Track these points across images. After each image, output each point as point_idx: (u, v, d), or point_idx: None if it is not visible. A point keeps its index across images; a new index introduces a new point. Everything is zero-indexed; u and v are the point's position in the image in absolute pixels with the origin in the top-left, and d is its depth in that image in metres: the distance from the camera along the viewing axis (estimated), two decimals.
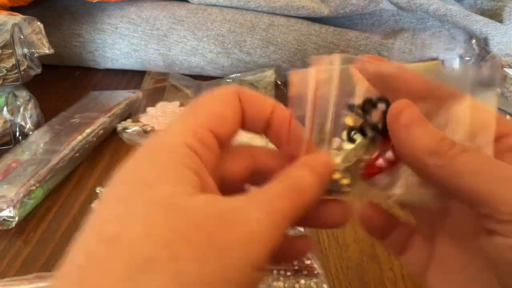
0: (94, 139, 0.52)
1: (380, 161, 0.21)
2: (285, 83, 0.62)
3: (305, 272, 0.36)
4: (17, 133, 0.52)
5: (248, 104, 0.21)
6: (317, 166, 0.20)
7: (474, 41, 0.61)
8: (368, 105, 0.21)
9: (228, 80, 0.64)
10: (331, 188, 0.21)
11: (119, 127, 0.55)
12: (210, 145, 0.19)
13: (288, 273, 0.36)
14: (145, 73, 0.67)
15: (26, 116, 0.53)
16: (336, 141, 0.22)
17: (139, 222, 0.15)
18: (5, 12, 0.54)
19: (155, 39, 0.65)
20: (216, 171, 0.20)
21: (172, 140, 0.18)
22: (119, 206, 0.16)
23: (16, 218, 0.41)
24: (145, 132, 0.53)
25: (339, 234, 0.42)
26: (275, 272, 0.36)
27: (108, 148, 0.53)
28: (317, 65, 0.21)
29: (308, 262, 0.37)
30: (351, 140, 0.21)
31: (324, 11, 0.66)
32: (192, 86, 0.63)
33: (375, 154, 0.21)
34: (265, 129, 0.22)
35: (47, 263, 0.38)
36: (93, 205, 0.44)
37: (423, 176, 0.20)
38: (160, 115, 0.56)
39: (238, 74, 0.64)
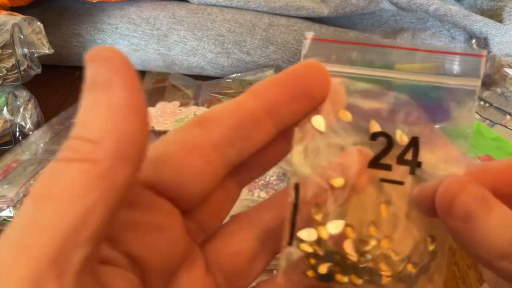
0: None
1: None
2: None
3: None
4: (17, 133, 0.52)
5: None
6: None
7: (474, 41, 0.61)
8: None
9: (228, 80, 0.64)
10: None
11: None
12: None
13: None
14: (145, 73, 0.67)
15: (26, 116, 0.53)
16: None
17: None
18: (5, 12, 0.54)
19: (155, 39, 0.65)
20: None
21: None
22: None
23: None
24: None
25: None
26: (275, 272, 0.36)
27: None
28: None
29: None
30: None
31: (324, 11, 0.66)
32: (192, 86, 0.63)
33: None
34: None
35: None
36: None
37: (495, 274, 0.16)
38: (160, 115, 0.56)
39: (238, 74, 0.65)
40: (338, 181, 0.17)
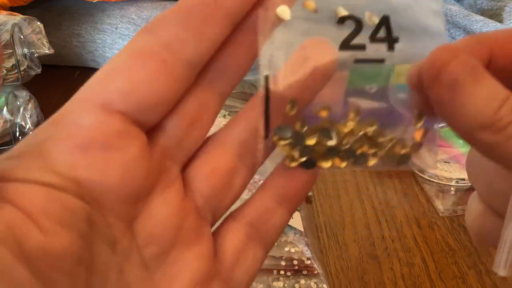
0: None
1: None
2: None
3: (305, 272, 0.36)
4: (17, 133, 0.52)
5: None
6: None
7: None
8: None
9: None
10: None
11: None
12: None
13: (288, 273, 0.36)
14: None
15: (26, 116, 0.53)
16: None
17: None
18: (5, 12, 0.54)
19: None
20: None
21: None
22: None
23: None
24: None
25: (339, 234, 0.42)
26: (275, 272, 0.36)
27: None
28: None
29: (308, 262, 0.37)
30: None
31: None
32: None
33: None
34: None
35: None
36: None
37: (473, 146, 0.15)
38: None
39: None
40: (308, 68, 0.17)
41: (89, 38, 0.66)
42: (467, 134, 0.15)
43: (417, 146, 0.17)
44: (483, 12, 0.65)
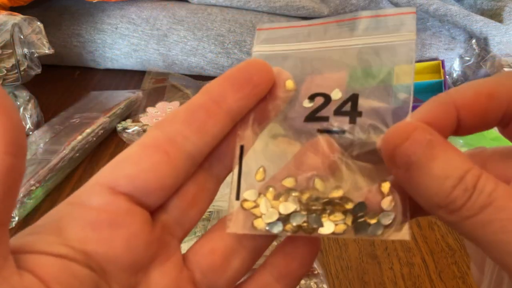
0: (94, 139, 0.52)
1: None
2: None
3: None
4: None
5: None
6: None
7: (474, 41, 0.61)
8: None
9: None
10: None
11: (119, 127, 0.55)
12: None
13: None
14: (145, 73, 0.67)
15: (26, 116, 0.53)
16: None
17: None
18: (5, 12, 0.54)
19: (155, 39, 0.65)
20: None
21: None
22: None
23: (16, 218, 0.41)
24: (145, 132, 0.53)
25: None
26: None
27: (108, 148, 0.53)
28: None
29: None
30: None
31: (324, 11, 0.66)
32: (192, 86, 0.63)
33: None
34: None
35: None
36: None
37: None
38: (160, 115, 0.56)
39: None
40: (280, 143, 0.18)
41: (89, 38, 0.66)
42: (428, 210, 0.15)
43: (387, 215, 0.16)
44: (483, 12, 0.65)
